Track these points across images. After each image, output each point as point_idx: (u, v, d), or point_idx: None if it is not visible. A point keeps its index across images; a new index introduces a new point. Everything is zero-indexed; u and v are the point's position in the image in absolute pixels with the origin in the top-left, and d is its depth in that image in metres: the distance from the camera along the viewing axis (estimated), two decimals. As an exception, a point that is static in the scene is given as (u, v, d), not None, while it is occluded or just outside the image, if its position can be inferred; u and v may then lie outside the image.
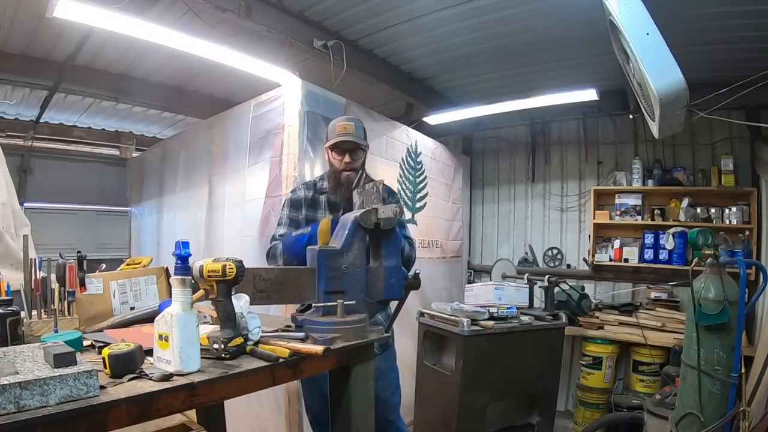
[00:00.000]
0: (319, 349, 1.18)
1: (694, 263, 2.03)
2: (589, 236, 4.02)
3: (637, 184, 3.87)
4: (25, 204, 4.27)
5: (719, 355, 1.91)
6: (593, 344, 3.52)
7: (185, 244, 1.14)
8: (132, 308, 1.71)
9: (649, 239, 3.75)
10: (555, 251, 4.39)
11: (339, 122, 1.99)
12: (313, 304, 1.38)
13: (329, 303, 1.34)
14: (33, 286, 1.42)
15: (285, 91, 2.64)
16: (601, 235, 4.05)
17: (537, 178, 4.53)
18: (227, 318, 1.15)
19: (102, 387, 0.90)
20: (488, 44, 3.17)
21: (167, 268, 1.88)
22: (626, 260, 3.86)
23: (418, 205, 3.75)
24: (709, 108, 2.32)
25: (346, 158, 1.94)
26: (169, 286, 1.74)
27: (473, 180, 4.89)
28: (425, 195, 3.83)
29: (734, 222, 3.48)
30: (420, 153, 3.77)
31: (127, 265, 1.95)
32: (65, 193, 5.08)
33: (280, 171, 2.58)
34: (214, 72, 3.63)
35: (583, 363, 3.58)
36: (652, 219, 3.79)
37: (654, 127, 2.11)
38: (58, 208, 5.10)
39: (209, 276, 1.14)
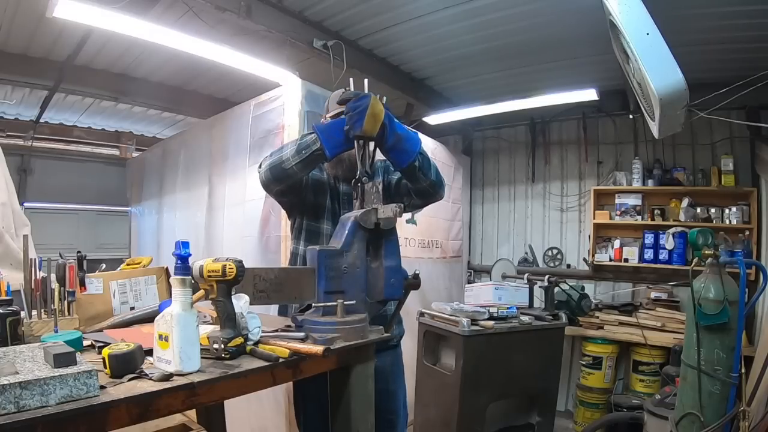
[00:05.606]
0: (319, 349, 1.18)
1: (694, 263, 2.03)
2: (589, 236, 4.02)
3: (637, 184, 3.87)
4: (25, 204, 4.27)
5: (719, 355, 1.91)
6: (593, 344, 3.52)
7: (185, 244, 1.14)
8: (132, 308, 1.71)
9: (649, 239, 3.75)
10: (555, 251, 4.39)
11: (340, 93, 1.78)
12: (313, 304, 1.38)
13: (329, 303, 1.34)
14: (33, 286, 1.42)
15: (285, 91, 2.64)
16: (601, 235, 4.05)
17: (537, 178, 4.53)
18: (227, 318, 1.15)
19: (102, 387, 0.89)
20: (488, 44, 3.17)
21: (167, 268, 1.88)
22: (626, 260, 3.86)
23: (418, 204, 3.75)
24: (709, 108, 2.32)
25: None
26: (169, 286, 1.73)
27: (473, 180, 4.89)
28: (425, 195, 3.82)
29: (734, 222, 3.48)
30: (420, 153, 3.76)
31: (127, 265, 1.95)
32: (65, 193, 5.07)
33: (280, 171, 2.58)
34: (214, 72, 3.63)
35: (583, 363, 3.58)
36: (652, 219, 3.79)
37: (654, 127, 2.11)
38: (58, 208, 5.09)
39: (209, 276, 1.13)
